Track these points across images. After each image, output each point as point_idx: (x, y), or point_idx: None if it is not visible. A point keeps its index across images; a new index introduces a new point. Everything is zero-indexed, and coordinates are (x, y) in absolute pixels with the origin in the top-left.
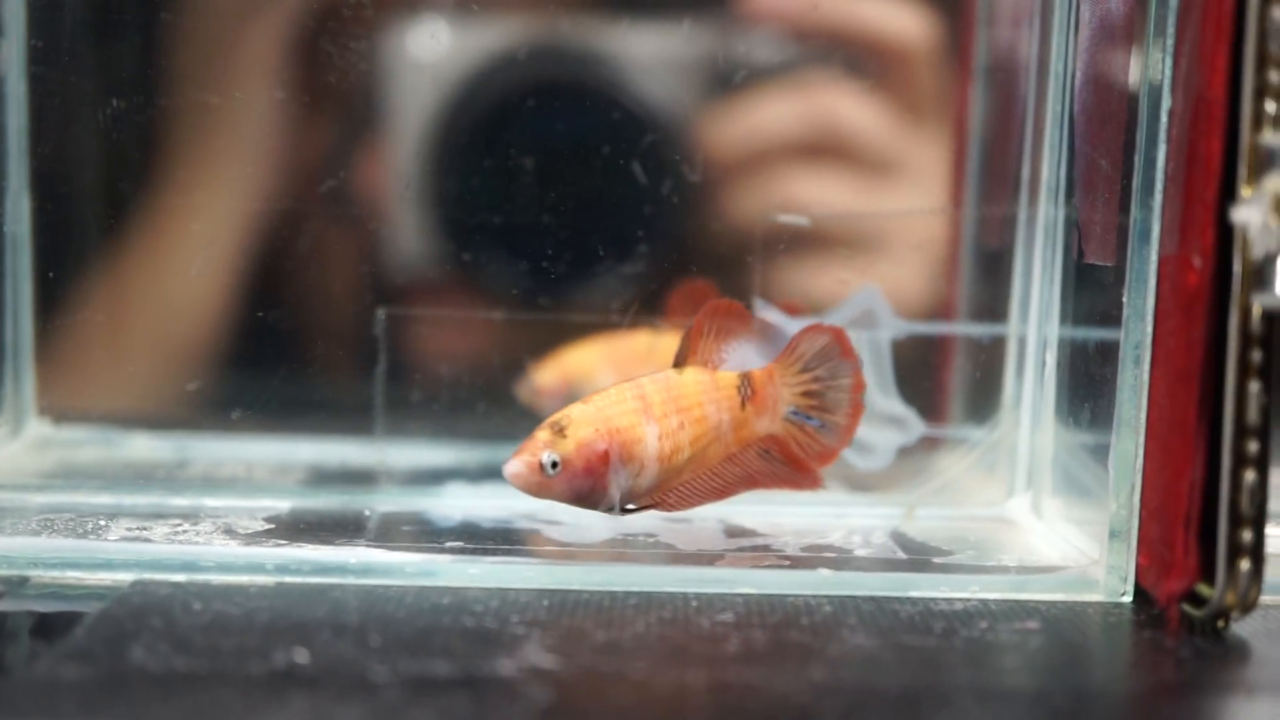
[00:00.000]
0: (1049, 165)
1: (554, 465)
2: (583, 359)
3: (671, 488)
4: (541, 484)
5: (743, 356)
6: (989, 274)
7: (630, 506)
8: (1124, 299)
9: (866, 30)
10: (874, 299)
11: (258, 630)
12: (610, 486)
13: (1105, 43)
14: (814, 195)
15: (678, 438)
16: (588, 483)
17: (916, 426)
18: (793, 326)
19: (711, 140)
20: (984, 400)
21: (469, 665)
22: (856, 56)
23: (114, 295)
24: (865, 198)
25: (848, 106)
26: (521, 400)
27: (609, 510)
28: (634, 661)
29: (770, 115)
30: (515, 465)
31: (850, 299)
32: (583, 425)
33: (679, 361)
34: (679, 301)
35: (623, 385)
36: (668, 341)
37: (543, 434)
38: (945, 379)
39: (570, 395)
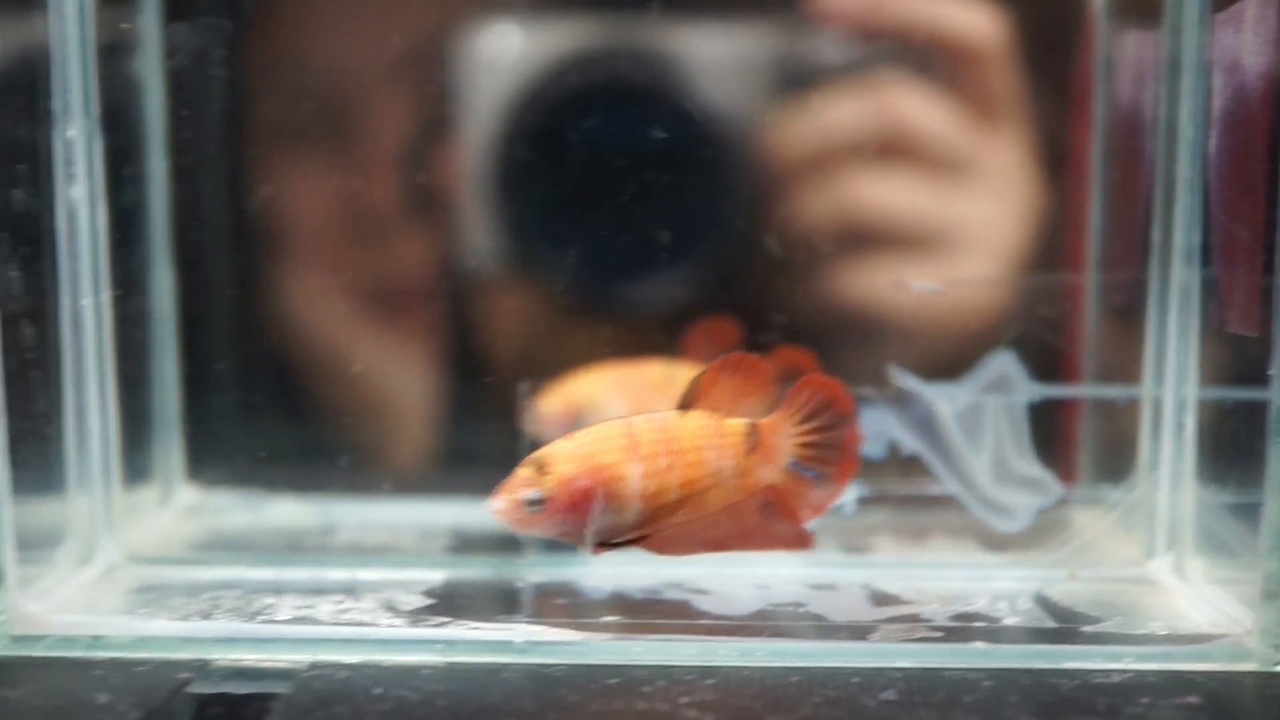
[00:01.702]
0: (1182, 229)
1: (535, 502)
2: (589, 387)
3: (662, 528)
4: (524, 520)
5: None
6: (1118, 335)
7: (616, 541)
8: (1271, 370)
9: (937, 30)
10: (1008, 364)
11: (441, 718)
12: (589, 524)
13: (1242, 113)
14: (882, 198)
15: (665, 478)
16: (571, 518)
17: (1054, 488)
18: (930, 392)
19: (779, 143)
20: (1117, 461)
21: None
22: (927, 57)
23: (256, 368)
24: (934, 201)
25: (918, 108)
26: (525, 429)
27: (592, 545)
28: None
29: (839, 117)
30: (497, 503)
31: (985, 363)
32: (564, 462)
33: (684, 404)
34: (698, 336)
35: (612, 422)
36: (684, 373)
37: (524, 471)
38: (1074, 440)
39: (576, 423)
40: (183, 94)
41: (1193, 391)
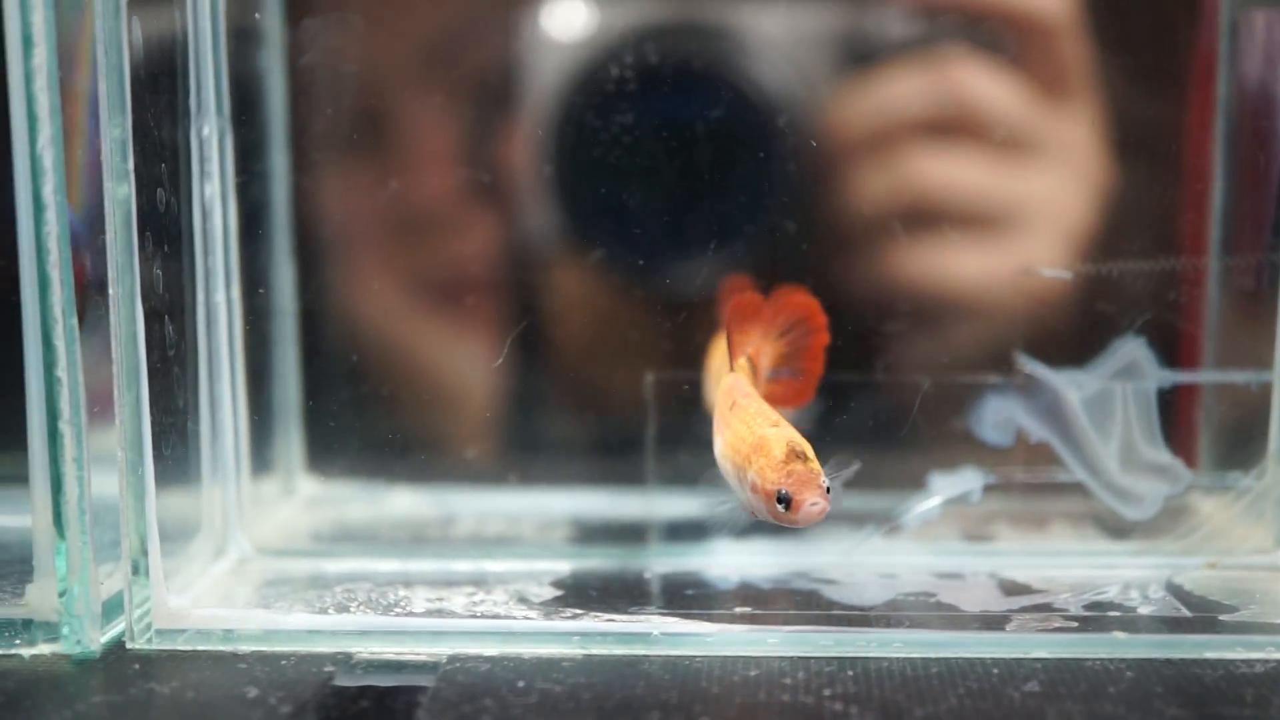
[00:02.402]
0: None
1: (829, 491)
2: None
3: None
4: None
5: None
6: (1246, 319)
7: None
8: None
9: (1005, 3)
10: (1138, 350)
11: (588, 711)
12: None
13: None
14: (945, 177)
15: None
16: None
17: (1184, 475)
18: (1055, 379)
19: (839, 120)
20: (1247, 447)
21: None
22: (994, 31)
23: (378, 361)
24: (1000, 178)
25: (984, 84)
26: None
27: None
28: None
29: (900, 93)
30: (819, 500)
31: (1114, 350)
32: (808, 448)
33: (732, 365)
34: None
35: (750, 400)
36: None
37: (809, 464)
38: (1194, 424)
39: None
40: (306, 90)
41: None
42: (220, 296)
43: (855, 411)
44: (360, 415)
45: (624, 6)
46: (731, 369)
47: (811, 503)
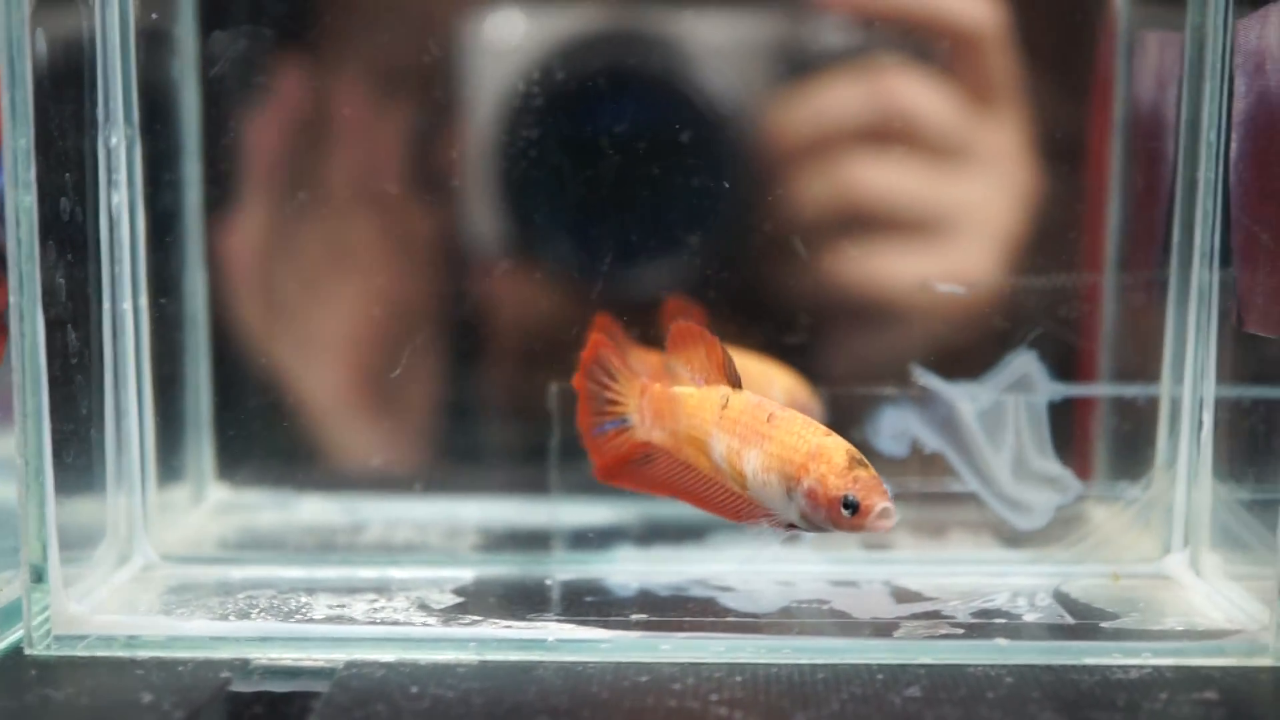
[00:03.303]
0: (1202, 230)
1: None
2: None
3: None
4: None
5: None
6: (1137, 334)
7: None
8: None
9: (935, 15)
10: (1030, 364)
11: (478, 716)
12: None
13: (1263, 117)
14: (881, 183)
15: None
16: None
17: (1074, 486)
18: (950, 391)
19: (776, 128)
20: (1134, 458)
21: None
22: (926, 42)
23: (289, 370)
24: (932, 186)
25: (916, 93)
26: None
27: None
28: None
29: (836, 102)
30: (886, 507)
31: (1006, 363)
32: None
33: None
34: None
35: (796, 413)
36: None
37: (872, 472)
38: (1089, 435)
39: None
40: (218, 99)
41: (1210, 390)
42: (127, 305)
43: None
44: (271, 423)
45: (558, 17)
46: (737, 386)
47: (882, 508)
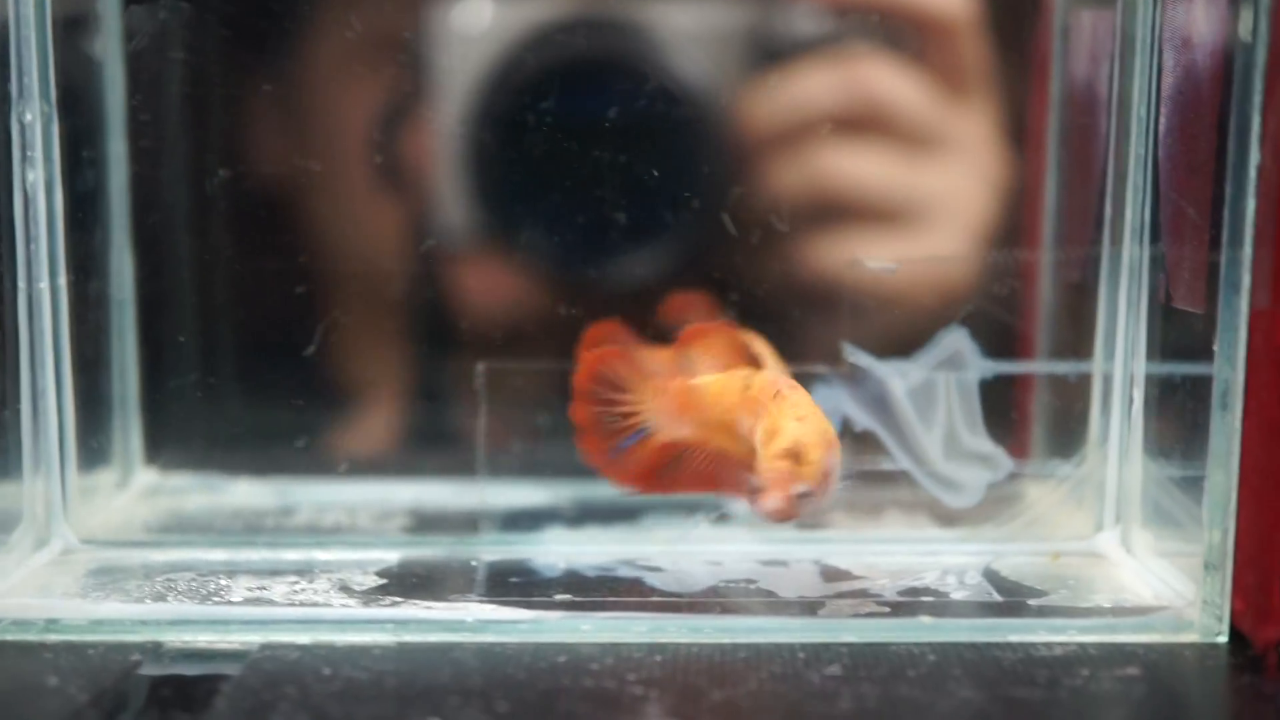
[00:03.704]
0: (1133, 206)
1: (806, 495)
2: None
3: None
4: (793, 515)
5: None
6: (1071, 311)
7: None
8: (1215, 346)
9: (907, 3)
10: (961, 341)
11: (389, 697)
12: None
13: (1190, 92)
14: (853, 171)
15: None
16: (826, 501)
17: (1005, 464)
18: (881, 368)
19: (750, 116)
20: (1069, 435)
21: None
22: (898, 30)
23: (215, 351)
24: (904, 173)
25: (888, 80)
26: None
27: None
28: None
29: (809, 89)
30: (773, 501)
31: (938, 341)
32: (815, 449)
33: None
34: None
35: (802, 394)
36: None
37: (782, 464)
38: (1027, 414)
39: None
40: (142, 76)
41: (1141, 367)
42: (44, 284)
43: None
44: (201, 407)
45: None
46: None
47: (769, 501)
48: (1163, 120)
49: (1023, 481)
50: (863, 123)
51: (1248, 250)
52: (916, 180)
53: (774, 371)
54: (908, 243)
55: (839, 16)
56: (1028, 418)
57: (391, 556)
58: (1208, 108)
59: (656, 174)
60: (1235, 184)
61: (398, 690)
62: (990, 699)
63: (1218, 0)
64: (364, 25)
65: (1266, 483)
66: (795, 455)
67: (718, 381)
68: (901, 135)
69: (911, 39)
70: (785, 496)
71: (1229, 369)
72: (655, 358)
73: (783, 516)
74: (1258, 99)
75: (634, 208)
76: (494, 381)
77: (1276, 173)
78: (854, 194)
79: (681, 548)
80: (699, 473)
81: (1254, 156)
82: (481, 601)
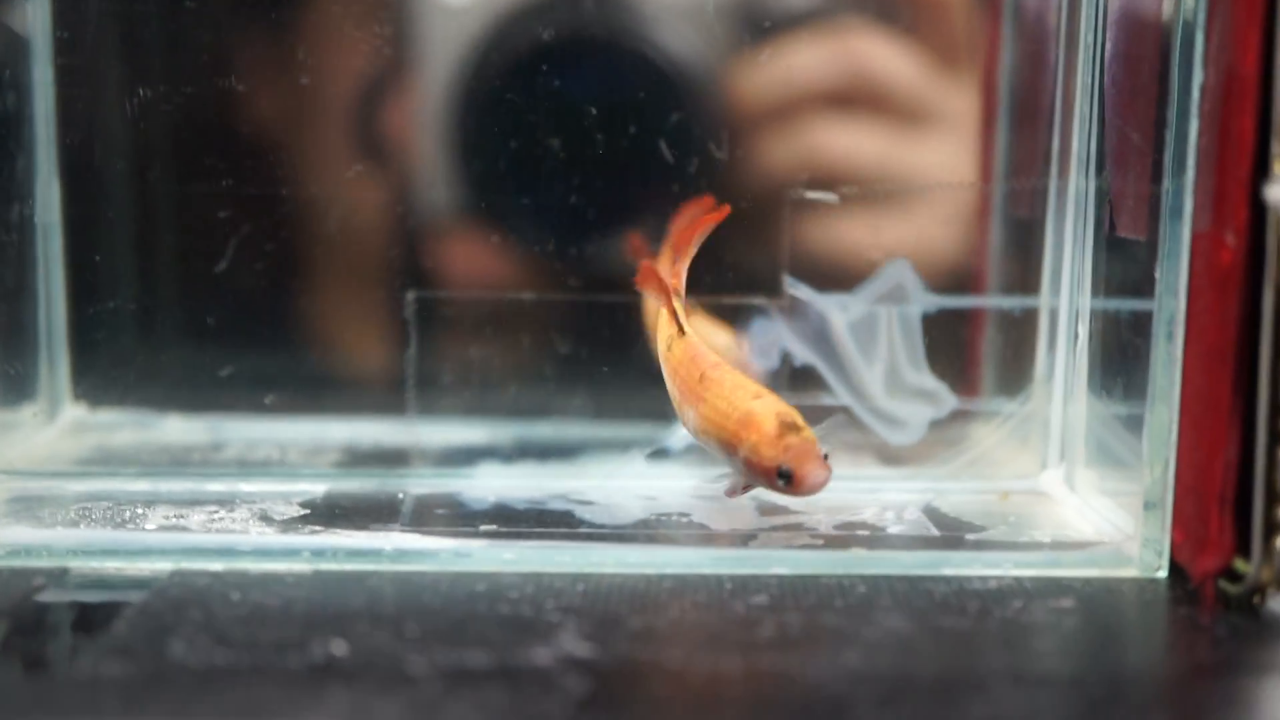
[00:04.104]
0: (1079, 137)
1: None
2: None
3: None
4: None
5: None
6: (1020, 246)
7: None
8: (1156, 274)
9: None
10: (904, 273)
11: (296, 622)
12: None
13: (1135, 14)
14: (846, 146)
15: None
16: None
17: (948, 400)
18: (821, 301)
19: (741, 90)
20: (1016, 373)
21: (505, 656)
22: (890, 3)
23: (145, 281)
24: (898, 148)
25: (881, 54)
26: None
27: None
28: (669, 649)
29: (801, 64)
30: (819, 474)
31: (880, 273)
32: (793, 413)
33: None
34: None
35: (729, 371)
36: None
37: (804, 435)
38: (977, 351)
39: None
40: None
41: (1087, 301)
42: None
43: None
44: (132, 340)
45: None
46: (681, 333)
47: (815, 475)
48: (1108, 46)
49: (969, 419)
50: (856, 98)
51: (1190, 174)
52: (910, 152)
53: (693, 344)
54: (904, 215)
55: None
56: (976, 355)
57: (318, 489)
58: (1151, 30)
59: (641, 151)
60: (1179, 106)
61: (306, 615)
62: (917, 629)
63: None
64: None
65: (1207, 410)
66: (793, 427)
67: (660, 324)
68: (895, 107)
69: (905, 12)
70: (822, 463)
71: (1170, 296)
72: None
73: (826, 486)
74: (1201, 16)
75: (622, 186)
76: (425, 311)
77: (1219, 93)
78: (847, 168)
79: (616, 483)
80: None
81: (1198, 75)
82: (404, 531)
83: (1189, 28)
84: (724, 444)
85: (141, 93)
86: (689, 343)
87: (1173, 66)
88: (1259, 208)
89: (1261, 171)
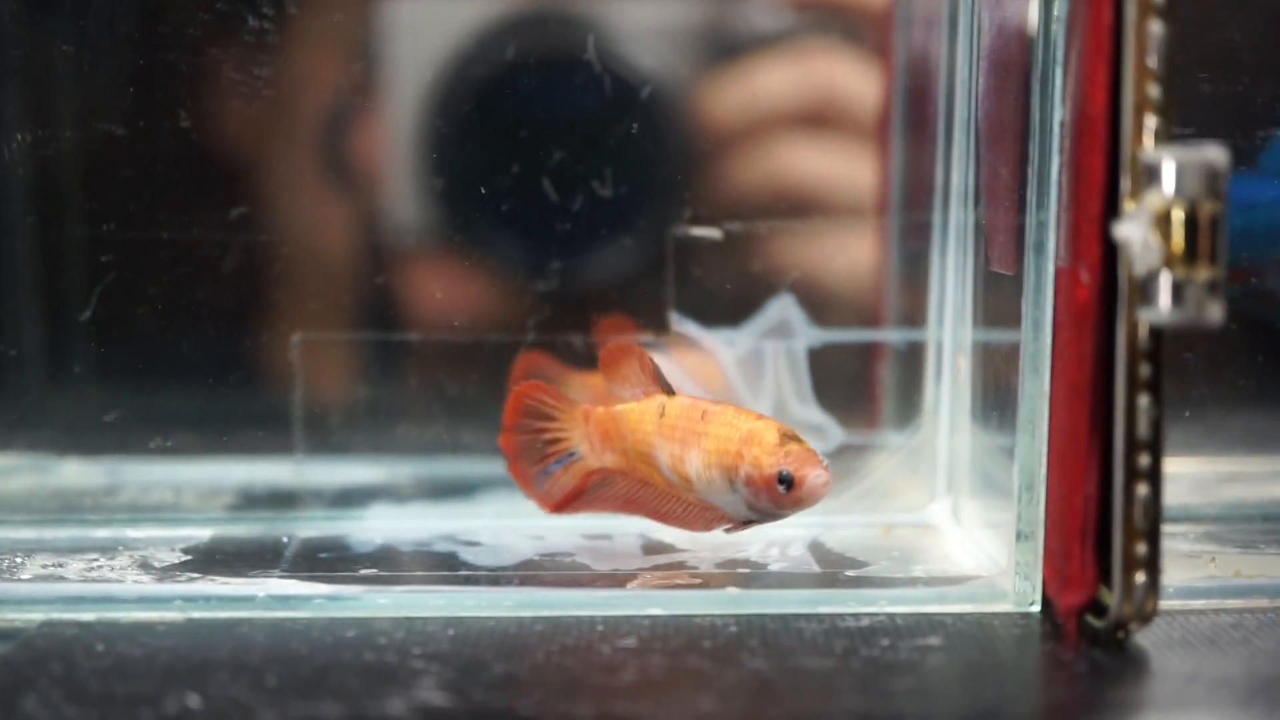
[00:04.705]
0: (959, 170)
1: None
2: None
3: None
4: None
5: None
6: (910, 279)
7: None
8: (1023, 308)
9: None
10: (789, 308)
11: (156, 674)
12: None
13: (1002, 50)
14: (808, 165)
15: None
16: None
17: (835, 434)
18: (707, 337)
19: (709, 110)
20: (907, 406)
21: (359, 706)
22: (847, 23)
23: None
24: (859, 166)
25: (841, 74)
26: None
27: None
28: (526, 697)
29: (765, 84)
30: (819, 476)
31: (766, 308)
32: (792, 428)
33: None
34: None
35: (729, 406)
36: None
37: (804, 445)
38: (872, 384)
39: None
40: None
41: (968, 334)
42: None
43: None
44: (26, 383)
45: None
46: (670, 393)
47: (816, 476)
48: (981, 81)
49: (860, 452)
50: (821, 119)
51: (1052, 209)
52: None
53: (687, 397)
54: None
55: (796, 11)
56: (874, 389)
57: (205, 534)
58: (1017, 67)
59: (607, 171)
60: (1040, 143)
61: (169, 666)
62: (778, 669)
63: None
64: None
65: (1070, 446)
66: (792, 437)
67: (637, 409)
68: (857, 128)
69: (868, 32)
70: (824, 466)
71: (1036, 331)
72: (588, 382)
73: (827, 490)
74: (1058, 53)
75: (588, 205)
76: (310, 354)
77: (1077, 129)
78: (812, 188)
79: (507, 522)
80: (622, 498)
81: (1057, 113)
82: (282, 577)
83: (1048, 64)
84: (726, 470)
85: (20, 136)
86: (679, 397)
87: (1033, 102)
88: (1111, 245)
89: (1112, 209)
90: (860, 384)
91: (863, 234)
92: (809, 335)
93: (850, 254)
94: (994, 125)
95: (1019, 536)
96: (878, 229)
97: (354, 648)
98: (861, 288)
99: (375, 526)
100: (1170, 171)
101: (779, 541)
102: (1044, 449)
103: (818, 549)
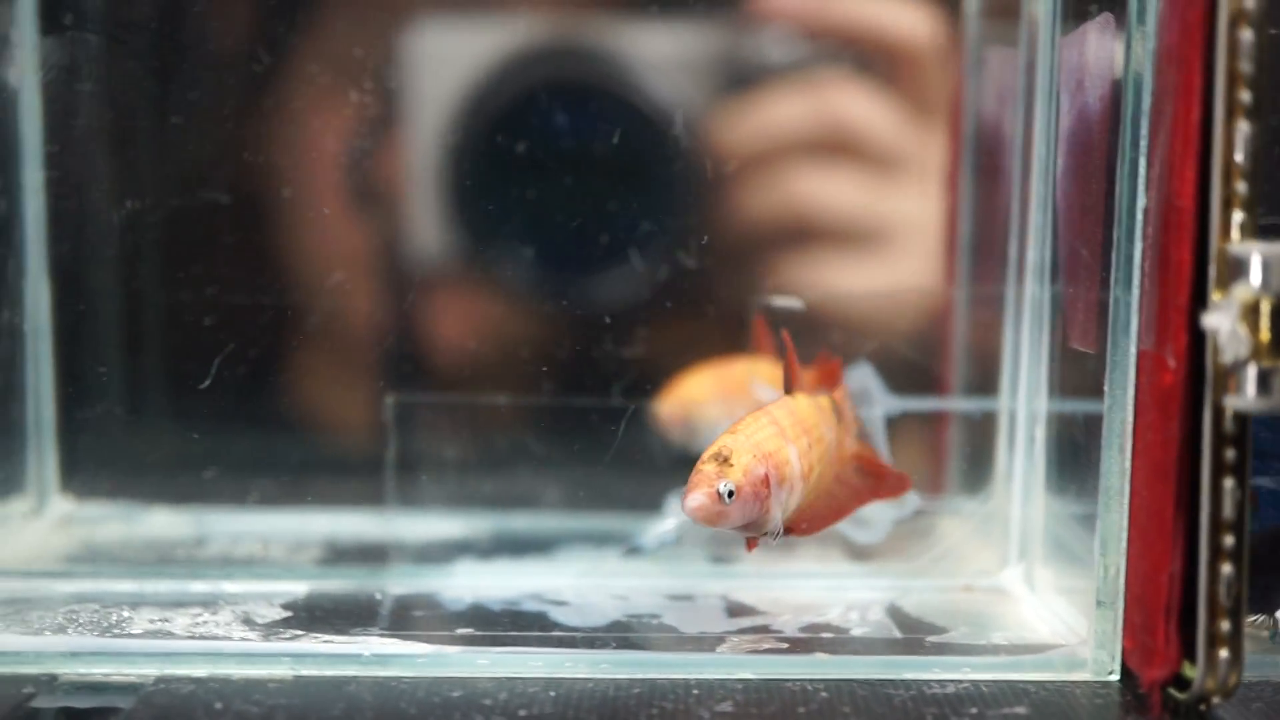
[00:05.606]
0: (1035, 245)
1: (730, 494)
2: (694, 389)
3: (800, 513)
4: (720, 513)
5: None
6: (981, 349)
7: (773, 530)
8: (1105, 386)
9: (874, 29)
10: (867, 377)
11: None
12: (773, 508)
13: (1084, 135)
14: (824, 195)
15: (810, 457)
16: (755, 507)
17: (911, 500)
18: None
19: (722, 139)
20: (978, 472)
21: None
22: (865, 55)
23: (133, 380)
24: (874, 198)
25: (857, 105)
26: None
27: (774, 534)
28: None
29: (780, 115)
30: (697, 499)
31: (846, 375)
32: (742, 453)
33: (789, 388)
34: (762, 329)
35: (755, 413)
36: (763, 368)
37: (709, 467)
38: (941, 452)
39: (687, 424)
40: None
41: (1043, 405)
42: None
43: (598, 435)
44: (118, 435)
45: (496, 32)
46: (789, 392)
47: (690, 499)
48: (1060, 161)
49: (934, 518)
50: (834, 148)
51: (1135, 292)
52: (886, 205)
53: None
54: (877, 269)
55: (810, 42)
56: (941, 455)
57: (299, 589)
58: (1099, 150)
59: (624, 200)
60: (1123, 227)
61: None
62: None
63: (1105, 43)
64: (273, 57)
65: (1152, 522)
66: (720, 459)
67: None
68: (871, 160)
69: (880, 65)
70: (708, 493)
71: (1119, 409)
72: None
73: (706, 515)
74: (1143, 143)
75: (607, 233)
76: (403, 414)
77: (1164, 220)
78: (825, 218)
79: (590, 581)
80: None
81: (1140, 200)
82: (382, 635)
83: (1133, 152)
84: None
85: (129, 202)
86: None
87: (1117, 188)
88: (1198, 333)
89: (1199, 299)
90: (931, 450)
91: (934, 305)
92: (886, 403)
93: (923, 325)
94: (1073, 206)
95: (1099, 605)
96: (947, 301)
97: (461, 708)
98: (934, 357)
99: (464, 584)
100: (1257, 265)
101: (858, 605)
102: (1125, 523)
103: (896, 613)
